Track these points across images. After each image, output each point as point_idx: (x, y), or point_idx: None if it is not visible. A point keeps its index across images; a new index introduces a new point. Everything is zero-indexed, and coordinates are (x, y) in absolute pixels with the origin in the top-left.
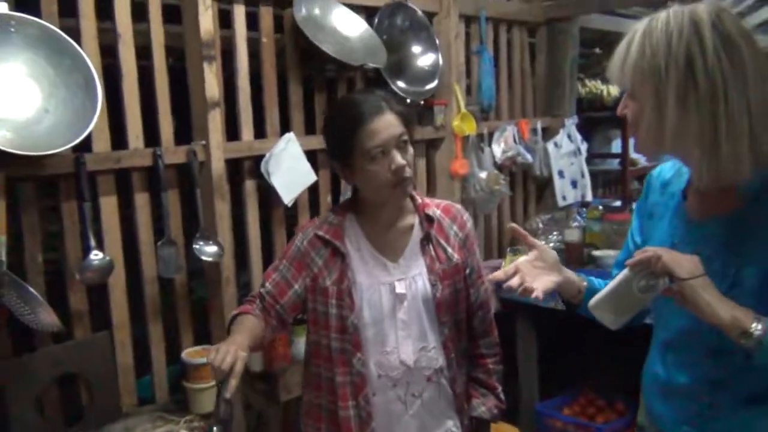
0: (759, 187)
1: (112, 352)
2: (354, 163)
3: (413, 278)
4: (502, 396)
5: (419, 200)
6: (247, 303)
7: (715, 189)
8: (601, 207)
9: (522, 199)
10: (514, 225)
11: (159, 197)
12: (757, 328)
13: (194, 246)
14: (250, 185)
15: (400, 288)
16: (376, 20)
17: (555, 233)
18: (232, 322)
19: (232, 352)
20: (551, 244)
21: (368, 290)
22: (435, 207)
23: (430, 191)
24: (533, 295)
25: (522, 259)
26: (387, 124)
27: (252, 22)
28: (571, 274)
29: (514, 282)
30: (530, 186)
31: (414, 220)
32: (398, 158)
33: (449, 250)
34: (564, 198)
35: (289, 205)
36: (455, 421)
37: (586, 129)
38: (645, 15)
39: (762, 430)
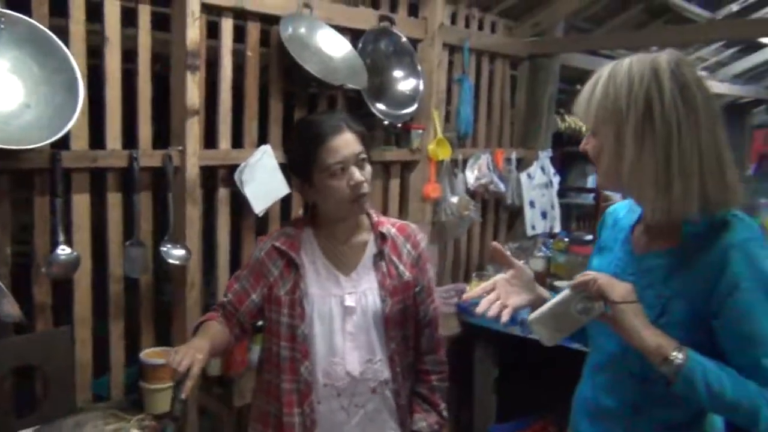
0: (698, 231)
1: (72, 348)
2: (314, 179)
3: (364, 292)
4: (444, 413)
5: (375, 218)
6: (212, 311)
7: (661, 226)
8: (567, 239)
9: (493, 226)
10: (496, 243)
11: (132, 198)
12: (677, 356)
13: (162, 248)
14: (223, 193)
15: (349, 301)
16: (361, 43)
17: (522, 261)
18: (197, 328)
19: (190, 354)
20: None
21: (319, 301)
22: (390, 225)
23: (402, 212)
24: (502, 321)
25: (499, 276)
26: (346, 142)
27: (240, 34)
28: (544, 292)
29: (492, 296)
30: (502, 214)
31: (369, 236)
32: (357, 174)
33: (401, 267)
34: (533, 228)
35: (260, 215)
36: None
37: (564, 163)
38: (625, 56)
39: None
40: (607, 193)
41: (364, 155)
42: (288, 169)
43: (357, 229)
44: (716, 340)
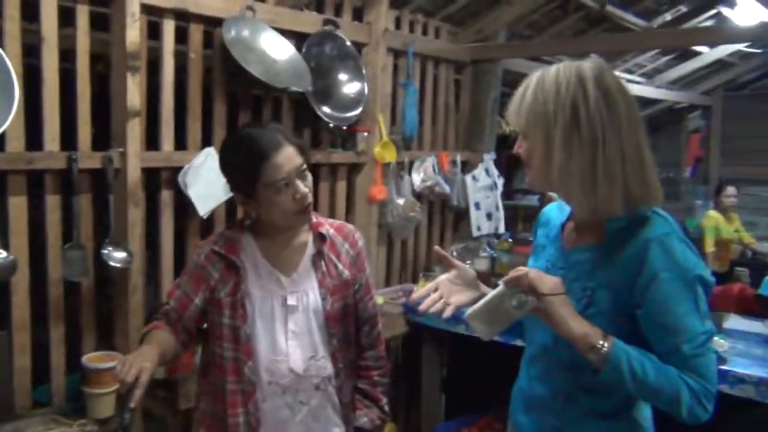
0: (620, 226)
1: (9, 353)
2: (258, 195)
3: (305, 291)
4: (385, 408)
5: (314, 219)
6: (155, 320)
7: (587, 223)
8: (510, 240)
9: (439, 228)
10: (437, 248)
11: (71, 201)
12: (603, 345)
13: (103, 251)
14: (166, 195)
15: (291, 300)
16: (305, 46)
17: (468, 262)
18: (143, 337)
19: (137, 363)
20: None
21: (261, 302)
22: (329, 226)
23: (349, 213)
24: (443, 316)
25: (442, 276)
26: (288, 157)
27: (182, 35)
28: (488, 290)
29: (435, 295)
30: (448, 215)
31: (308, 237)
32: (301, 187)
33: (340, 266)
34: (479, 229)
35: (205, 217)
36: (341, 429)
37: (510, 165)
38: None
39: None
40: (551, 194)
41: (304, 166)
42: (228, 184)
43: (297, 231)
44: (640, 329)
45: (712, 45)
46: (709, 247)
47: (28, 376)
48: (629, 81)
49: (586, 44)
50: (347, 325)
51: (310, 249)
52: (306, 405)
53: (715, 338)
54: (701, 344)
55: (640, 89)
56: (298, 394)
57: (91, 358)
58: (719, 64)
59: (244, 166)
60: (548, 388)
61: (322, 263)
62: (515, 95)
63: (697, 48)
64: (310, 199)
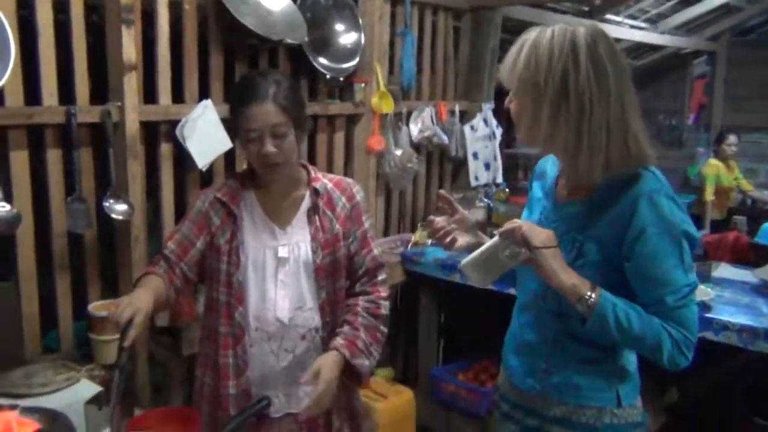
0: (610, 183)
1: (18, 302)
2: (238, 130)
3: (297, 244)
4: (359, 344)
5: (312, 174)
6: (152, 265)
7: (577, 179)
8: (507, 190)
9: (437, 178)
10: (442, 191)
11: (72, 154)
12: (591, 295)
13: (104, 204)
14: (165, 148)
15: (282, 252)
16: None
17: (466, 211)
18: (137, 281)
19: (132, 305)
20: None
21: (254, 251)
22: (327, 180)
23: (348, 164)
24: (454, 246)
25: (441, 218)
26: (264, 111)
27: None
28: (485, 239)
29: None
30: (446, 166)
31: (305, 191)
32: (266, 146)
33: (334, 221)
34: (477, 179)
35: (204, 169)
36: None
37: (510, 114)
38: (569, 9)
39: (587, 388)
40: None
41: (283, 128)
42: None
43: (295, 184)
44: (626, 281)
45: None
46: (710, 195)
47: (36, 324)
48: (633, 27)
49: None
50: (337, 279)
51: (306, 203)
52: (291, 353)
53: (702, 287)
54: (684, 296)
55: (643, 35)
56: (284, 341)
57: (96, 307)
58: (725, 8)
59: (232, 108)
60: (538, 334)
61: (317, 217)
62: (509, 54)
63: None
64: (278, 159)
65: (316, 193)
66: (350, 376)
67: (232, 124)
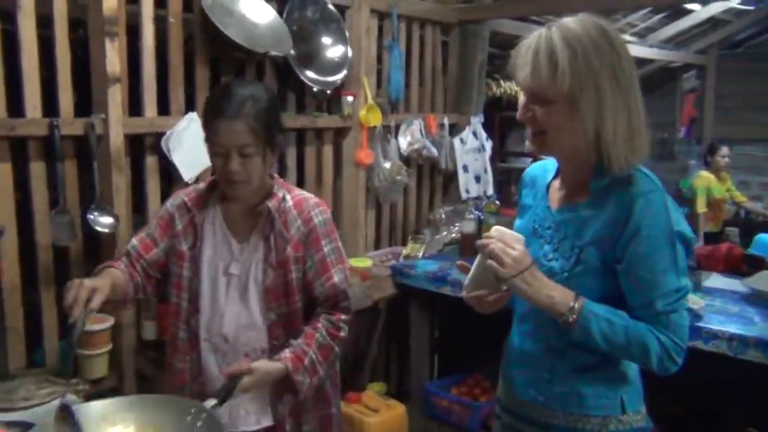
0: (605, 185)
1: (2, 316)
2: (207, 148)
3: (249, 262)
4: (306, 362)
5: (274, 189)
6: (114, 261)
7: (575, 183)
8: (497, 202)
9: (428, 191)
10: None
11: (55, 167)
12: (570, 316)
13: (89, 216)
14: (151, 160)
15: (233, 269)
16: (286, 10)
17: (456, 224)
18: (97, 273)
19: (77, 285)
20: (452, 235)
21: (209, 263)
22: (290, 198)
23: (337, 177)
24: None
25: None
26: (231, 131)
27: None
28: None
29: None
30: (437, 179)
31: (267, 207)
32: (230, 164)
33: (288, 243)
34: (467, 191)
35: (190, 182)
36: (265, 401)
37: (503, 128)
38: (553, 21)
39: (590, 396)
40: (544, 157)
41: (251, 149)
42: None
43: (258, 198)
44: (620, 283)
45: (704, 1)
46: (701, 207)
47: (21, 338)
48: None
49: (576, 3)
50: (290, 302)
51: (263, 222)
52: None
53: (692, 296)
54: (674, 301)
55: (631, 49)
56: (227, 357)
57: None
58: (713, 22)
59: (204, 118)
60: (538, 344)
61: (272, 236)
62: (535, 58)
63: (690, 6)
64: (240, 178)
65: (269, 213)
66: (288, 388)
67: (205, 134)
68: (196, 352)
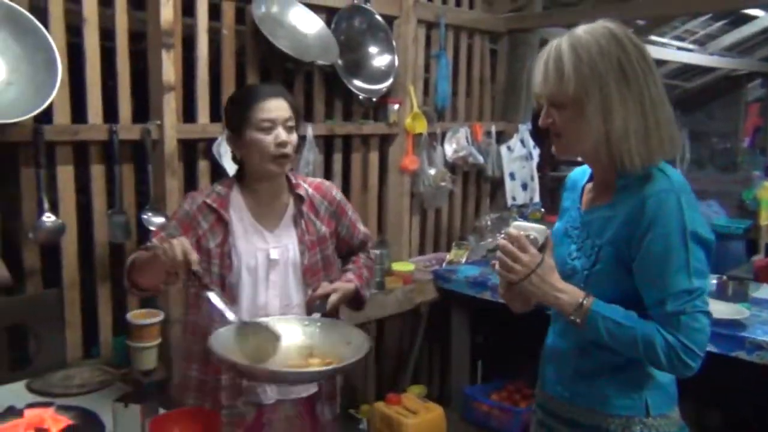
0: (627, 184)
1: (61, 308)
2: (245, 134)
3: (286, 246)
4: (365, 274)
5: (294, 180)
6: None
7: (604, 184)
8: (542, 209)
9: (474, 198)
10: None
11: (113, 169)
12: (577, 318)
13: (143, 216)
14: (203, 165)
15: (274, 254)
16: (335, 21)
17: (501, 231)
18: (133, 261)
19: (175, 242)
20: (497, 241)
21: (246, 255)
22: (308, 185)
23: (382, 183)
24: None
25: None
26: (278, 106)
27: (217, 11)
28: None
29: None
30: (483, 186)
31: (289, 199)
32: (283, 134)
33: (318, 223)
34: (514, 199)
35: None
36: None
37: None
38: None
39: (614, 396)
40: None
41: (292, 123)
42: (224, 124)
43: (280, 189)
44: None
45: (765, 8)
46: (765, 219)
47: (78, 329)
48: (680, 48)
49: (626, 10)
50: (329, 274)
51: (291, 210)
52: None
53: (737, 306)
54: (686, 302)
55: (690, 57)
56: None
57: (135, 315)
58: None
59: (239, 104)
60: (566, 342)
61: (302, 221)
62: (546, 67)
63: (752, 12)
64: (289, 150)
65: (300, 199)
66: (353, 303)
67: (236, 122)
68: None
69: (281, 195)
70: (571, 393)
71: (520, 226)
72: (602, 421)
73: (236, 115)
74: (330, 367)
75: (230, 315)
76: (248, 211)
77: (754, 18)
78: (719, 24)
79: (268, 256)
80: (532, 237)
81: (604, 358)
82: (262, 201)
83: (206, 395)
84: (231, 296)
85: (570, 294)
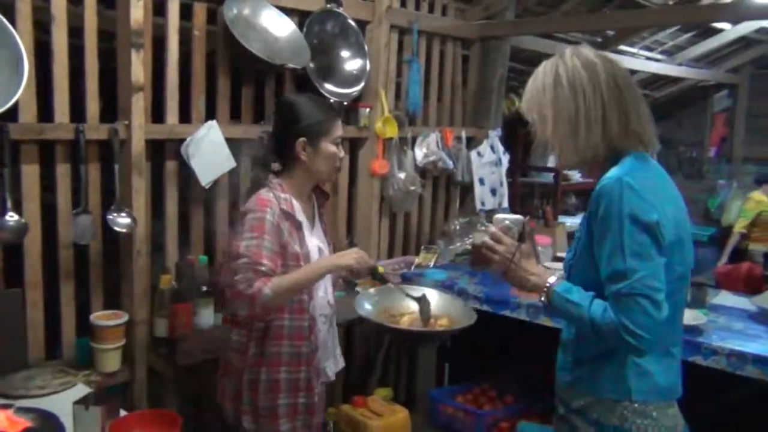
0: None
1: (23, 309)
2: (321, 143)
3: (322, 239)
4: None
5: None
6: (260, 280)
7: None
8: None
9: (444, 202)
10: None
11: (79, 169)
12: (541, 299)
13: (108, 217)
14: (171, 165)
15: (324, 247)
16: (306, 24)
17: (470, 236)
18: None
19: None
20: (465, 246)
21: (314, 251)
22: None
23: (352, 186)
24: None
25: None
26: (341, 126)
27: (188, 11)
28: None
29: None
30: (453, 191)
31: (312, 196)
32: (342, 152)
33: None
34: (483, 204)
35: (207, 187)
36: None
37: (526, 143)
38: (579, 39)
39: (605, 377)
40: (566, 172)
41: None
42: (300, 131)
43: (309, 193)
44: None
45: (732, 22)
46: (739, 227)
47: (40, 330)
48: (648, 58)
49: (597, 21)
50: None
51: (315, 207)
52: (333, 327)
53: (695, 312)
54: (624, 283)
55: (659, 67)
56: (332, 319)
57: (98, 316)
58: (744, 42)
59: (323, 117)
60: (569, 331)
61: (323, 216)
62: (533, 91)
63: (719, 25)
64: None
65: (323, 194)
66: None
67: (317, 133)
68: (314, 333)
69: (309, 197)
70: (571, 378)
71: (498, 218)
72: (595, 403)
73: (320, 124)
74: (457, 327)
75: (416, 292)
76: (302, 211)
77: (720, 31)
78: (687, 35)
79: (322, 250)
80: (507, 225)
81: (596, 345)
82: (303, 201)
83: (298, 391)
84: (310, 291)
85: (540, 277)
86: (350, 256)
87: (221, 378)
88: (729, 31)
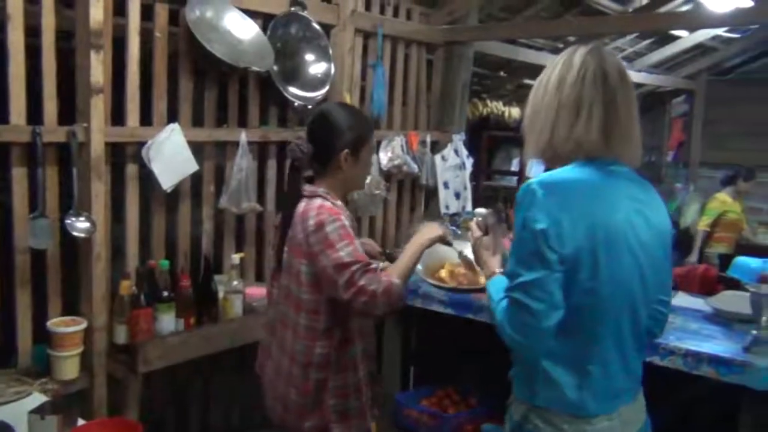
0: None
1: None
2: (362, 152)
3: None
4: None
5: None
6: (380, 273)
7: None
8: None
9: (408, 206)
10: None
11: (36, 172)
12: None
13: (66, 221)
14: (131, 169)
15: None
16: (271, 27)
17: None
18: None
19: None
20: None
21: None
22: None
23: None
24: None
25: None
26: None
27: (149, 12)
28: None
29: None
30: (418, 194)
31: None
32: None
33: None
34: (447, 207)
35: (168, 191)
36: None
37: (491, 146)
38: (541, 45)
39: (519, 377)
40: (530, 175)
41: None
42: (344, 141)
43: None
44: None
45: (688, 29)
46: (702, 225)
47: None
48: None
49: (558, 27)
50: None
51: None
52: None
53: None
54: (510, 286)
55: None
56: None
57: (56, 323)
58: (701, 49)
59: (365, 128)
60: None
61: None
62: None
63: (676, 32)
64: None
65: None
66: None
67: (360, 143)
68: (368, 335)
69: None
70: (512, 375)
71: (477, 212)
72: (513, 402)
73: (363, 136)
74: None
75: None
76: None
77: (678, 38)
78: (646, 42)
79: None
80: (478, 219)
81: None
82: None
83: (366, 387)
84: None
85: (489, 267)
86: (436, 229)
87: (287, 397)
88: (686, 38)
